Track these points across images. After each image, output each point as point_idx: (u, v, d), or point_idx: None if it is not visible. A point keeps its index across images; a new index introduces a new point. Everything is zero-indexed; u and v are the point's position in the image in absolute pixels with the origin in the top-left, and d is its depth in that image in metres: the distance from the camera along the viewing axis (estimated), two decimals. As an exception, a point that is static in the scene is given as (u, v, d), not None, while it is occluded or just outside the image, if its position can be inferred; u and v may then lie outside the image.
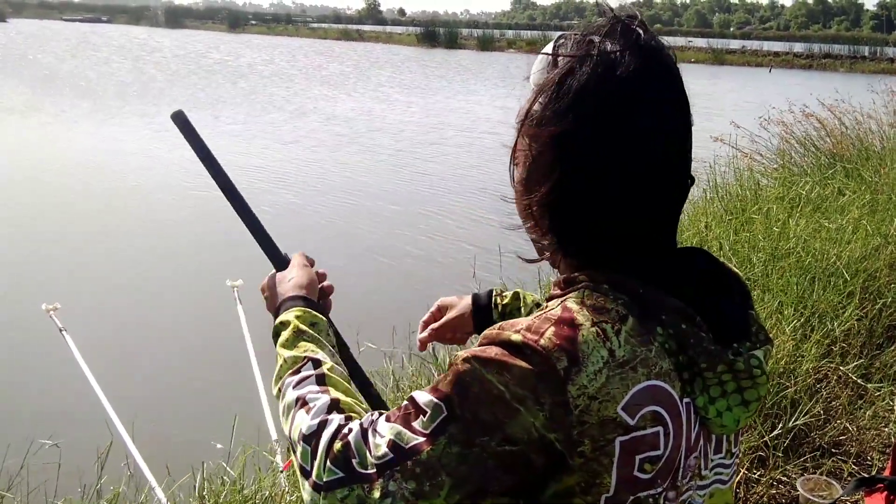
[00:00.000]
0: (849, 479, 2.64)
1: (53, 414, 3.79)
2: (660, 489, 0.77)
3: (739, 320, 0.84)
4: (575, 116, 0.77)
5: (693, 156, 0.87)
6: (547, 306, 0.79)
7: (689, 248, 0.88)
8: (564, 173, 0.79)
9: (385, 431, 0.77)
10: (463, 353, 0.76)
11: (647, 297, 0.78)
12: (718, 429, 0.82)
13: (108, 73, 24.43)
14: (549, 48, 0.83)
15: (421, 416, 0.75)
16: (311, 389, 0.87)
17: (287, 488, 2.56)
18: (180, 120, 1.12)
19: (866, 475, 2.43)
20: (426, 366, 3.75)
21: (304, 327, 0.97)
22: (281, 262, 1.13)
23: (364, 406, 0.89)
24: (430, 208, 8.62)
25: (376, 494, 0.74)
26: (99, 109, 15.67)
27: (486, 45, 46.58)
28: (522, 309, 1.23)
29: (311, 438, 0.80)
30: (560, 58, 0.80)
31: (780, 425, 2.80)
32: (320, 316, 1.02)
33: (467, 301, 1.27)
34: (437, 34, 50.39)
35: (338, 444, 0.78)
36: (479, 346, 0.77)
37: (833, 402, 3.09)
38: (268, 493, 2.59)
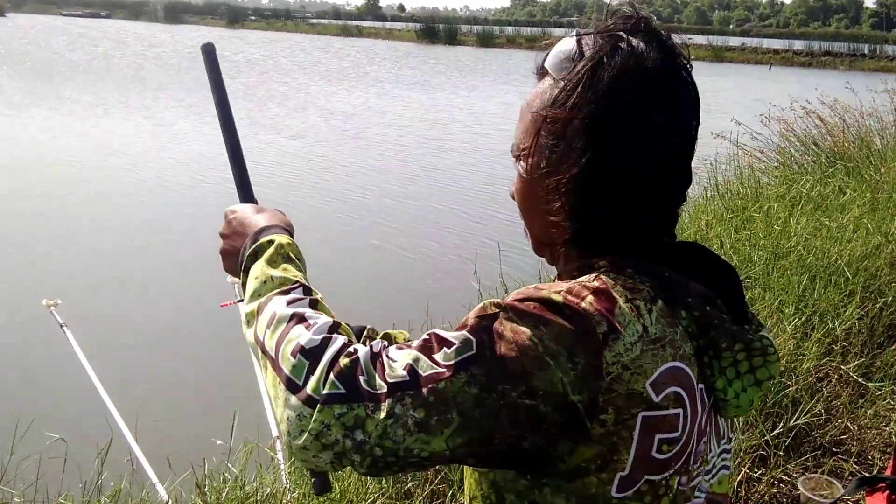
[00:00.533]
0: (850, 478, 2.64)
1: (54, 410, 3.79)
2: (673, 472, 0.78)
3: (741, 305, 0.86)
4: (609, 101, 0.79)
5: (694, 153, 0.88)
6: (576, 277, 0.80)
7: (688, 242, 0.91)
8: (596, 153, 0.79)
9: (400, 357, 0.74)
10: (496, 300, 0.75)
11: (672, 281, 0.79)
12: (734, 410, 0.84)
13: (110, 67, 24.37)
14: (568, 42, 0.84)
15: (444, 349, 0.73)
16: (306, 309, 0.83)
17: (289, 485, 2.56)
18: (207, 52, 1.15)
19: (867, 474, 2.44)
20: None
21: (293, 255, 0.93)
22: (250, 198, 1.13)
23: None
24: (432, 204, 8.62)
25: (381, 415, 0.71)
26: (99, 103, 15.63)
27: (485, 41, 46.55)
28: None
29: (312, 352, 0.76)
30: (587, 49, 0.81)
31: (782, 424, 2.81)
32: (303, 256, 0.96)
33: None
34: (437, 30, 50.35)
35: (345, 360, 0.74)
36: (515, 298, 0.75)
37: (834, 401, 3.09)
38: (269, 489, 2.59)
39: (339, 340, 0.77)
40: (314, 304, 0.85)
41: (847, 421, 2.98)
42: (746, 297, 3.48)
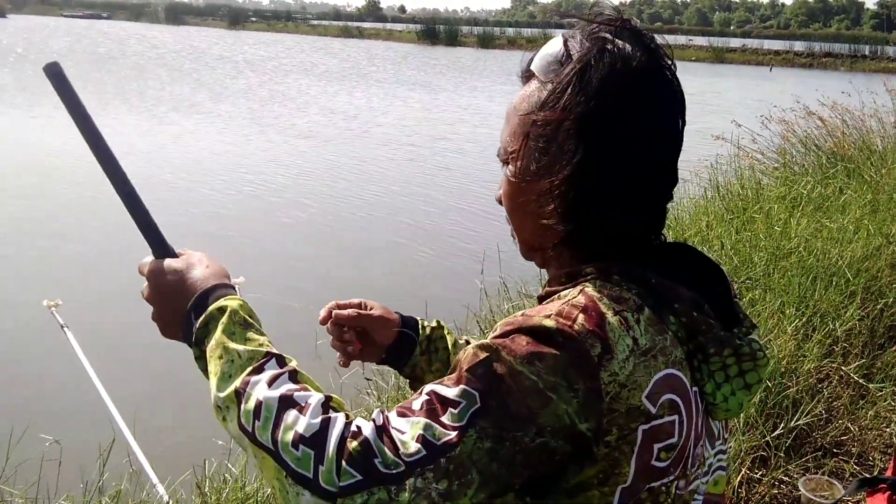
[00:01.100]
0: (851, 479, 2.64)
1: (55, 410, 3.79)
2: (672, 477, 0.78)
3: (730, 307, 0.86)
4: (599, 102, 0.79)
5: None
6: (560, 296, 0.79)
7: (676, 243, 0.91)
8: (588, 154, 0.79)
9: (406, 427, 0.71)
10: (488, 342, 0.75)
11: (659, 286, 0.79)
12: (723, 413, 0.85)
13: (110, 70, 24.40)
14: (554, 45, 0.84)
15: (450, 409, 0.71)
16: (291, 387, 0.76)
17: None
18: (52, 72, 0.95)
19: (868, 475, 2.43)
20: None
21: (250, 319, 0.85)
22: (164, 246, 0.95)
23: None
24: (432, 206, 8.62)
25: (405, 496, 0.68)
26: (98, 103, 15.64)
27: (486, 42, 46.61)
28: (448, 338, 1.20)
29: (314, 440, 0.71)
30: (575, 52, 0.81)
31: (782, 425, 2.80)
32: (256, 314, 0.87)
33: (393, 312, 1.20)
34: (438, 32, 50.39)
35: (353, 444, 0.70)
36: (504, 334, 0.75)
37: (835, 402, 3.09)
38: (269, 490, 2.59)
39: (340, 420, 0.73)
40: (294, 376, 0.78)
41: (848, 422, 2.98)
42: (746, 298, 3.48)
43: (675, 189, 0.87)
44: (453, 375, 0.75)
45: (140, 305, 0.97)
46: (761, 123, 7.52)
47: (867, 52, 36.57)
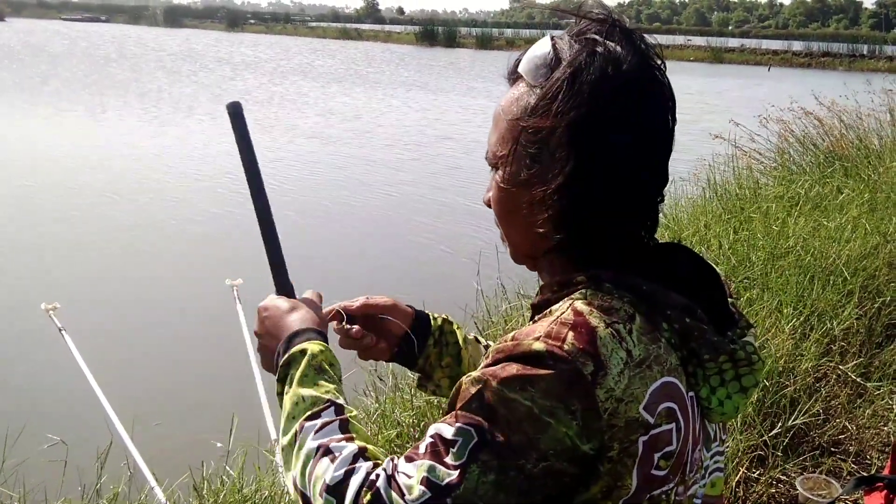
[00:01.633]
0: (848, 478, 2.64)
1: (53, 413, 3.79)
2: (672, 485, 0.78)
3: (724, 309, 0.86)
4: (591, 107, 0.78)
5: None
6: (550, 311, 0.79)
7: (670, 244, 0.90)
8: (581, 160, 0.78)
9: (413, 471, 0.74)
10: (478, 374, 0.75)
11: (651, 293, 0.79)
12: (719, 417, 0.84)
13: (107, 72, 24.40)
14: (542, 46, 0.83)
15: (451, 449, 0.73)
16: (333, 437, 0.82)
17: (286, 488, 2.56)
18: (233, 111, 1.03)
19: (866, 474, 2.44)
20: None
21: (325, 365, 0.91)
22: (286, 285, 1.04)
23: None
24: (431, 206, 8.62)
25: None
26: (98, 106, 15.65)
27: (484, 43, 46.67)
28: (458, 333, 1.18)
29: (336, 489, 0.77)
30: (564, 54, 0.80)
31: (780, 424, 2.80)
32: (337, 360, 0.95)
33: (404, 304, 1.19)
34: (436, 33, 50.45)
35: (367, 496, 0.74)
36: (494, 362, 0.75)
37: (832, 401, 3.09)
38: (267, 492, 2.59)
39: (362, 471, 0.77)
40: (344, 425, 0.84)
41: (845, 421, 2.98)
42: (744, 297, 3.47)
43: (670, 188, 0.87)
44: (451, 414, 0.76)
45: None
46: (759, 123, 7.52)
47: (865, 52, 36.62)
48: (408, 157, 11.69)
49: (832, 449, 2.86)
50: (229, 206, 8.10)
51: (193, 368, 4.53)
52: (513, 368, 0.72)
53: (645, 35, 0.83)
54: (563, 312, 0.76)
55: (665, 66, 0.83)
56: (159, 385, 4.29)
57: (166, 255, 6.75)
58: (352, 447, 0.81)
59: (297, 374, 0.89)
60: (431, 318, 1.18)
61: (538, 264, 0.90)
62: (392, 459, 0.77)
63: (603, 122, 0.78)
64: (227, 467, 2.78)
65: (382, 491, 0.74)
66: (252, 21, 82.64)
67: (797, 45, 43.77)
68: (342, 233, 7.66)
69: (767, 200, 5.43)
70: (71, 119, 14.15)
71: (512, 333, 0.77)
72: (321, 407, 0.86)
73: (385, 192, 9.32)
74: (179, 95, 18.32)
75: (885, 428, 3.00)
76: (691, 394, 0.80)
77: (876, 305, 3.74)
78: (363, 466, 0.78)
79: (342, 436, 0.83)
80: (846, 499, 2.42)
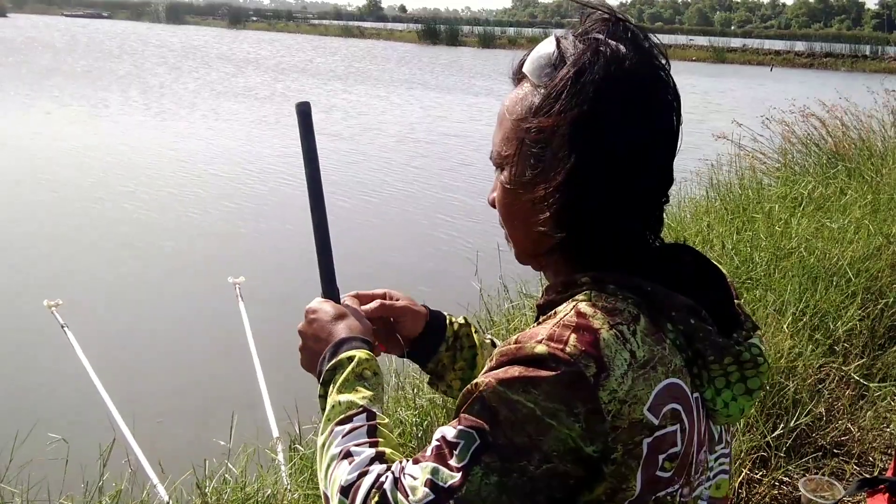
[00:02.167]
0: (851, 479, 2.64)
1: (55, 411, 3.79)
2: (677, 486, 0.78)
3: (730, 311, 0.85)
4: (594, 107, 0.78)
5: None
6: (554, 313, 0.79)
7: (674, 244, 0.90)
8: (583, 160, 0.78)
9: (418, 472, 0.75)
10: (482, 378, 0.75)
11: (655, 294, 0.78)
12: (724, 419, 0.84)
13: (109, 69, 24.40)
14: (546, 46, 0.83)
15: (454, 451, 0.73)
16: (358, 441, 0.85)
17: (289, 486, 2.56)
18: (301, 110, 1.04)
19: (868, 476, 2.43)
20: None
21: (368, 373, 0.93)
22: (333, 290, 1.06)
23: None
24: (430, 206, 8.62)
25: None
26: (100, 102, 15.65)
27: (487, 42, 46.60)
28: (475, 337, 1.18)
29: (348, 490, 0.79)
30: (568, 55, 0.80)
31: (782, 425, 2.80)
32: (381, 369, 0.97)
33: (420, 305, 1.18)
34: (438, 31, 50.38)
35: (375, 497, 0.76)
36: (498, 365, 0.75)
37: (835, 403, 3.08)
38: (270, 490, 2.59)
39: (374, 473, 0.79)
40: (371, 430, 0.86)
41: (848, 422, 2.98)
42: (747, 297, 3.47)
43: (674, 189, 0.87)
44: (456, 417, 0.77)
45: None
46: (762, 123, 7.52)
47: (868, 53, 36.57)
48: (415, 154, 11.69)
49: (835, 450, 2.86)
50: (233, 202, 8.10)
51: (196, 365, 4.54)
52: (515, 371, 0.72)
53: (649, 34, 0.82)
54: (567, 314, 0.76)
55: (670, 66, 0.83)
56: (161, 382, 4.29)
57: (169, 251, 6.75)
58: (370, 451, 0.83)
59: (340, 379, 0.92)
60: (448, 321, 1.16)
61: (543, 264, 0.90)
62: (401, 462, 0.79)
63: (605, 122, 0.78)
64: (230, 465, 2.77)
65: (388, 492, 0.75)
66: (254, 18, 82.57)
67: (799, 46, 43.73)
68: (343, 232, 7.66)
69: (770, 201, 5.43)
70: (71, 115, 14.14)
71: (515, 336, 0.77)
72: (354, 412, 0.88)
73: (385, 192, 9.32)
74: (182, 91, 18.31)
75: (888, 429, 2.99)
76: (696, 395, 0.79)
77: (879, 307, 3.73)
78: (376, 469, 0.79)
79: (367, 440, 0.85)
80: (849, 500, 2.41)
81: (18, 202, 8.07)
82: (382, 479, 0.77)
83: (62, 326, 3.34)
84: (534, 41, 0.88)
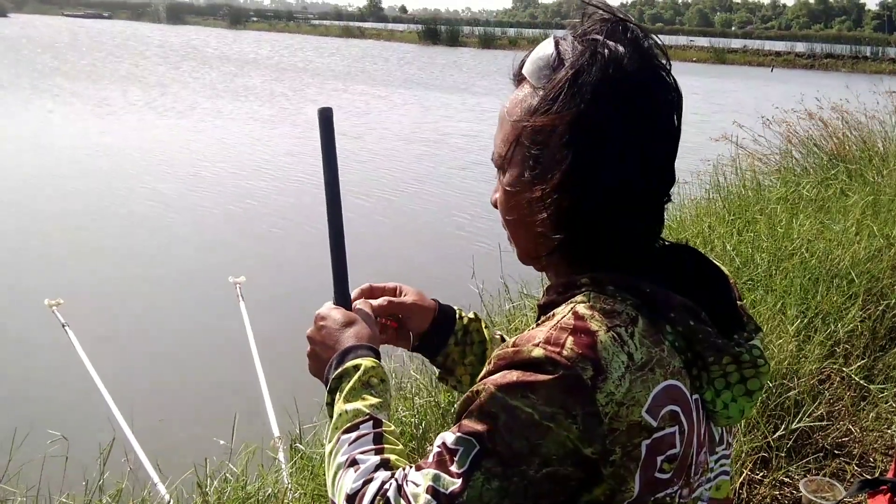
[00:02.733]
0: (852, 480, 2.64)
1: (56, 409, 3.79)
2: (676, 487, 0.78)
3: (732, 312, 0.85)
4: (592, 109, 0.78)
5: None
6: (553, 315, 0.79)
7: (676, 245, 0.90)
8: (580, 161, 0.78)
9: (420, 479, 0.75)
10: (481, 384, 0.75)
11: (655, 296, 0.78)
12: (724, 420, 0.84)
13: (111, 68, 24.40)
14: (545, 48, 0.83)
15: (454, 457, 0.74)
16: (363, 448, 0.85)
17: (290, 485, 2.56)
18: (324, 116, 1.05)
19: (869, 477, 2.43)
20: (428, 364, 3.74)
21: (375, 381, 0.93)
22: (345, 295, 1.06)
23: None
24: (429, 205, 8.62)
25: None
26: (104, 101, 15.65)
27: (487, 43, 46.61)
28: (485, 332, 1.18)
29: (354, 499, 0.80)
30: (567, 56, 0.80)
31: (784, 426, 2.80)
32: (388, 376, 0.97)
33: (430, 299, 1.19)
34: (439, 32, 50.38)
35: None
36: (496, 370, 0.75)
37: (836, 404, 3.08)
38: (270, 490, 2.59)
39: (377, 481, 0.80)
40: (377, 438, 0.87)
41: (849, 423, 2.98)
42: (748, 299, 3.46)
43: (675, 190, 0.86)
44: (456, 424, 0.77)
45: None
46: (762, 124, 7.51)
47: (868, 54, 36.55)
48: (420, 153, 11.69)
49: (836, 451, 2.86)
50: (233, 203, 8.11)
51: (196, 365, 4.54)
52: (513, 376, 0.73)
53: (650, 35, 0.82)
54: (564, 317, 0.76)
55: (670, 66, 0.83)
56: (162, 381, 4.29)
57: (170, 251, 6.75)
58: (375, 458, 0.84)
59: (347, 388, 0.92)
60: (458, 316, 1.17)
61: (544, 265, 0.90)
62: (404, 469, 0.80)
63: (602, 122, 0.77)
64: (231, 464, 2.77)
65: (392, 499, 0.76)
66: (255, 19, 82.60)
67: (800, 47, 43.70)
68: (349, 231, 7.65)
69: (771, 202, 5.42)
70: (71, 114, 14.15)
71: (513, 339, 0.77)
72: (360, 419, 0.88)
73: (383, 191, 9.32)
74: (185, 93, 18.32)
75: (889, 431, 2.99)
76: (696, 396, 0.79)
77: (880, 308, 3.73)
78: (380, 476, 0.80)
79: (372, 447, 0.85)
80: (850, 502, 2.41)
81: (19, 202, 8.07)
82: (386, 486, 0.78)
83: (63, 325, 3.34)
84: (534, 42, 0.88)
